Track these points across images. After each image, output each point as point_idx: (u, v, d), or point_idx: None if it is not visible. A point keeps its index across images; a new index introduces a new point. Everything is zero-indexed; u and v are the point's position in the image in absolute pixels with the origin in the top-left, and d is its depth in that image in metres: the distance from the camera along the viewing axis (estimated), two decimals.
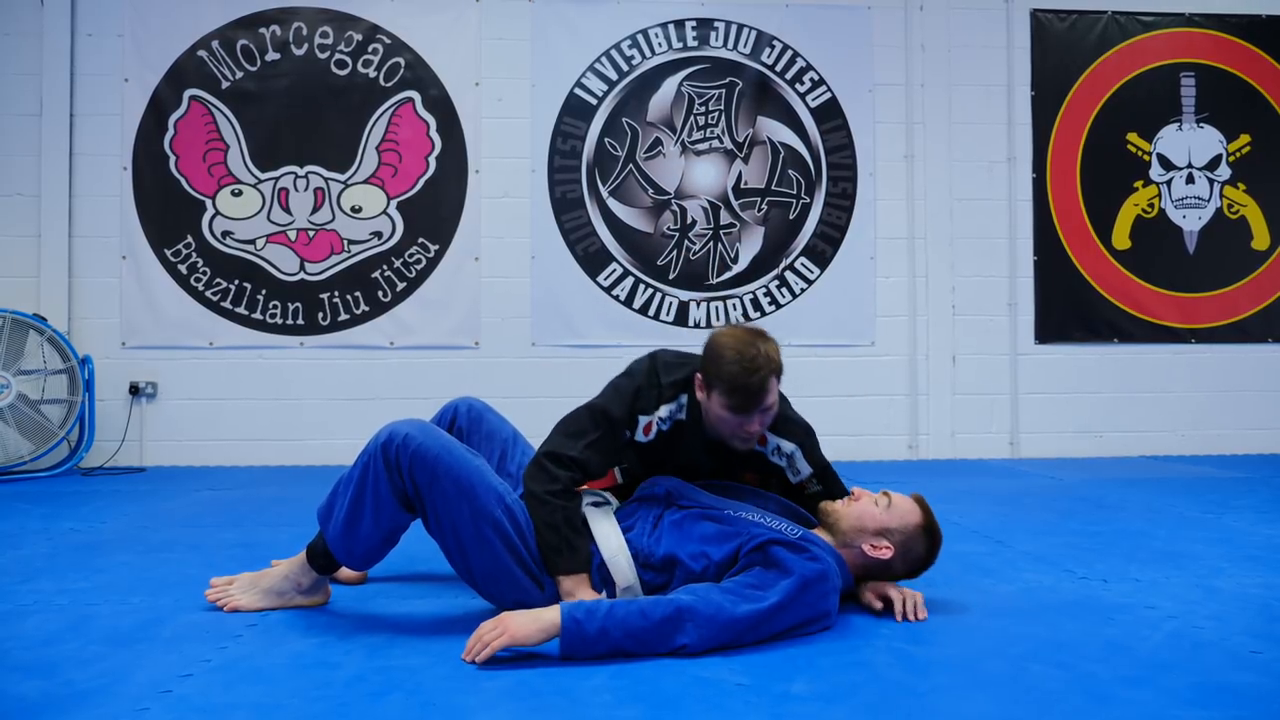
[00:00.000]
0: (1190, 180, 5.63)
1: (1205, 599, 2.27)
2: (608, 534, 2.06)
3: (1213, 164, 5.65)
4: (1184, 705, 1.57)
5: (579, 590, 1.98)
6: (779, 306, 5.41)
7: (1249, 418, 5.61)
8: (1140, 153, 5.63)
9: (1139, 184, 5.62)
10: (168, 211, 5.12)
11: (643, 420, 2.15)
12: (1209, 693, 1.63)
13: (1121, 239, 5.60)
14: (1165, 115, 5.65)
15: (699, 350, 2.19)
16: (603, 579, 2.03)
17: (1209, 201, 5.64)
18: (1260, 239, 5.67)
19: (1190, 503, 3.77)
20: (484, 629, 1.79)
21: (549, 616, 1.78)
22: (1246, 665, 1.78)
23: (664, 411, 2.16)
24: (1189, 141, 5.65)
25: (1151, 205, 5.62)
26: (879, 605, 2.09)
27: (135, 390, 5.06)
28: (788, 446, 2.22)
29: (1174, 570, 2.58)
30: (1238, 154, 5.67)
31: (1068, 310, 5.56)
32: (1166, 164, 5.63)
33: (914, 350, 5.48)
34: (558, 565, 1.99)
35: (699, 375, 2.11)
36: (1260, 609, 2.18)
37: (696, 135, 5.40)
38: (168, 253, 5.12)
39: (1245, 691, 1.64)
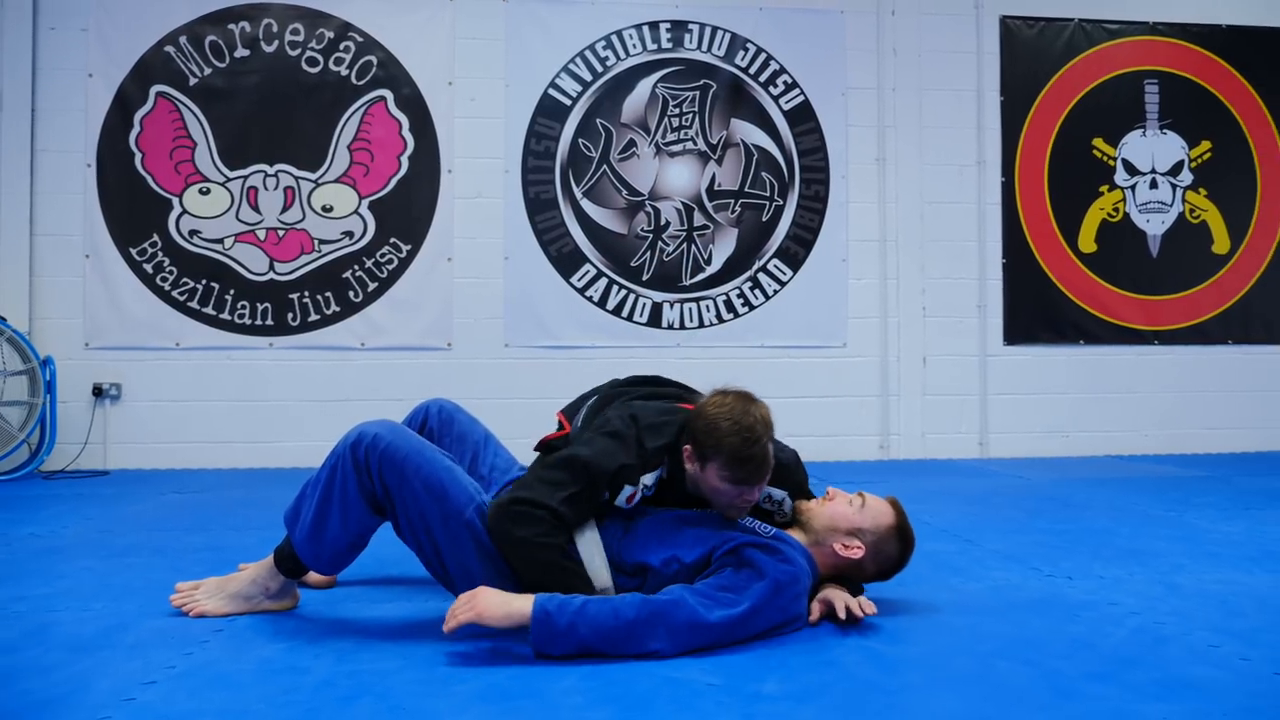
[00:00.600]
0: (1154, 185, 5.73)
1: (1167, 595, 2.31)
2: (585, 536, 2.05)
3: (1175, 169, 5.75)
4: (1146, 699, 1.59)
5: None
6: (752, 308, 5.44)
7: (1210, 417, 5.72)
8: (1105, 158, 5.71)
9: (1104, 188, 5.71)
10: (133, 210, 5.05)
11: (627, 490, 2.03)
12: (1170, 687, 1.66)
13: (1087, 242, 5.68)
14: (1130, 121, 5.74)
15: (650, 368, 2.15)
16: None
17: (1171, 206, 5.74)
18: (1221, 243, 5.77)
19: (1153, 501, 3.83)
20: (459, 602, 1.80)
21: (520, 605, 1.78)
22: (1206, 660, 1.81)
23: (649, 479, 2.06)
24: (1152, 147, 5.74)
25: (1116, 209, 5.71)
26: (818, 611, 2.03)
27: (99, 392, 4.98)
28: (778, 494, 2.17)
29: (1137, 567, 2.62)
30: (1199, 160, 5.77)
31: (1035, 312, 5.63)
32: (1131, 169, 5.72)
33: (885, 351, 5.52)
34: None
35: (689, 448, 2.03)
36: (1219, 604, 2.22)
37: (671, 137, 5.41)
38: (133, 252, 5.05)
39: (1205, 685, 1.67)
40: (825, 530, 2.07)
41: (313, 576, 2.36)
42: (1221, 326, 5.75)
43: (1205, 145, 5.77)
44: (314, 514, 2.00)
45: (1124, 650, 1.87)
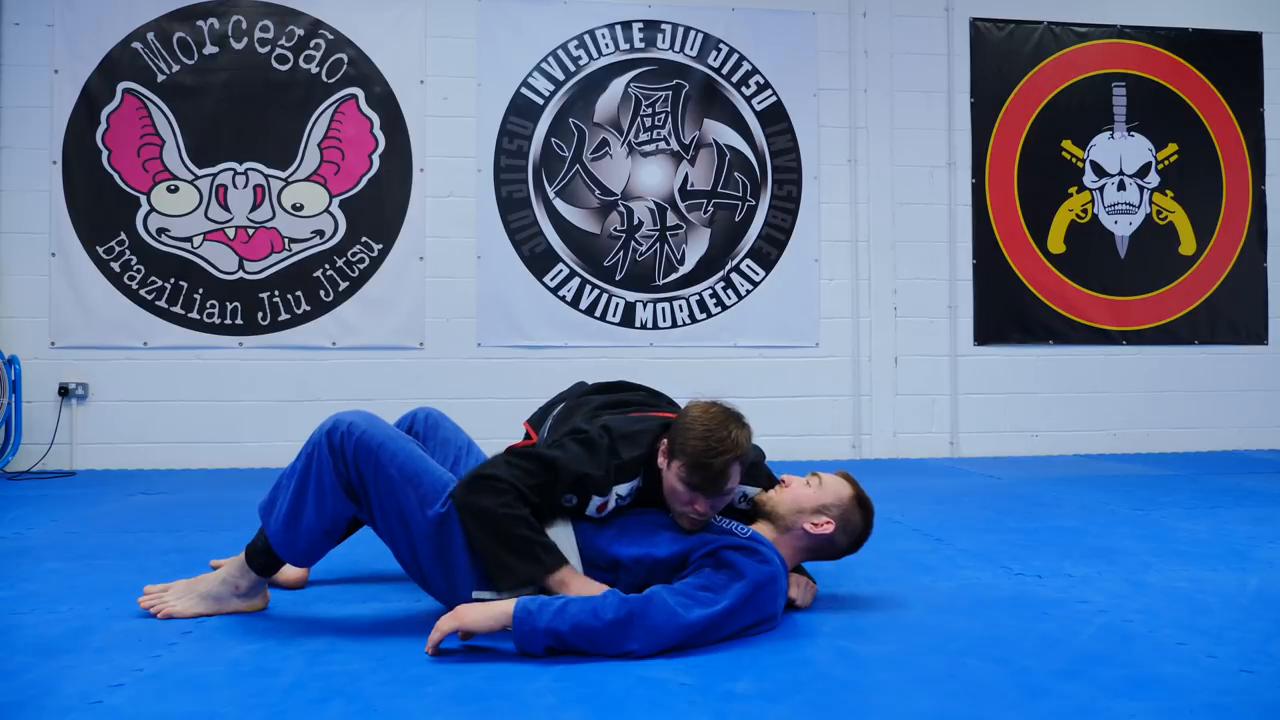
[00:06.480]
0: (1121, 187, 5.81)
1: (1134, 593, 2.33)
2: (555, 528, 2.04)
3: (1143, 171, 5.83)
4: (1114, 696, 1.61)
5: (573, 581, 1.92)
6: (725, 308, 5.45)
7: (1177, 417, 5.80)
8: (1074, 159, 5.78)
9: (1073, 190, 5.78)
10: (100, 207, 4.98)
11: (596, 500, 2.03)
12: (1138, 684, 1.68)
13: (1056, 243, 5.74)
14: (1098, 123, 5.81)
15: (632, 377, 2.16)
16: None
17: (1139, 208, 5.82)
18: (1187, 244, 5.86)
19: (1121, 500, 3.88)
20: (441, 620, 1.81)
21: (502, 606, 1.80)
22: (1173, 657, 1.83)
23: (622, 489, 2.06)
24: (1120, 149, 5.82)
25: (1085, 211, 5.78)
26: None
27: (65, 391, 4.90)
28: (752, 491, 2.18)
29: (1105, 565, 2.65)
30: (1166, 162, 5.85)
31: (1005, 313, 5.68)
32: (1099, 171, 5.80)
33: (857, 351, 5.55)
34: (540, 570, 1.91)
35: (666, 442, 2.03)
36: (1186, 602, 2.25)
37: (643, 136, 5.41)
38: (100, 250, 4.97)
39: (1172, 682, 1.69)
40: (792, 514, 2.09)
41: (285, 575, 2.35)
42: (1188, 327, 5.84)
43: (1172, 148, 5.86)
44: (290, 503, 2.00)
45: (1093, 648, 1.89)
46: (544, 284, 5.31)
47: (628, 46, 5.42)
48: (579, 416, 2.28)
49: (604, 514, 2.07)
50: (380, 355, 5.17)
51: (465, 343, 5.24)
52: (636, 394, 2.42)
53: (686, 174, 5.44)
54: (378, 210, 5.19)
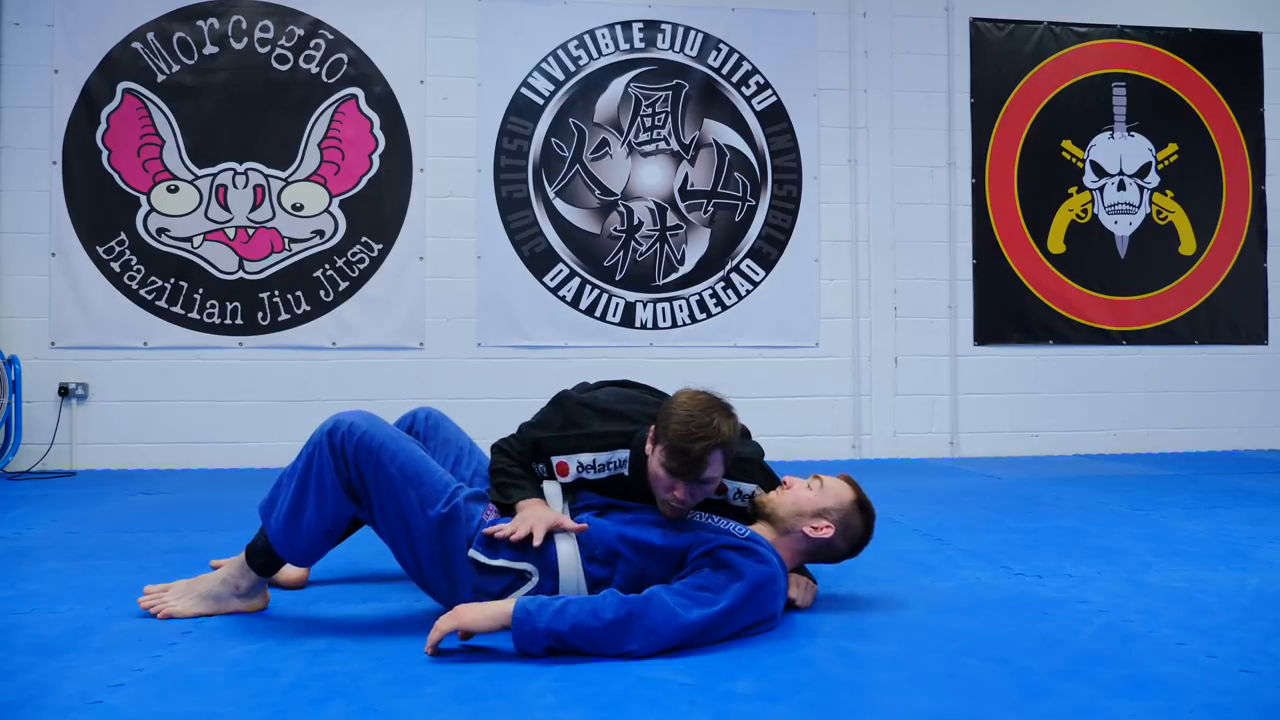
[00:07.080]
0: (1121, 187, 5.81)
1: (1134, 593, 2.33)
2: (553, 494, 2.10)
3: (1143, 171, 5.83)
4: (1114, 696, 1.61)
5: (537, 507, 2.02)
6: (725, 308, 5.45)
7: (1177, 417, 5.80)
8: (1074, 160, 5.78)
9: (1073, 190, 5.78)
10: (100, 207, 4.98)
11: (554, 460, 2.13)
12: (1138, 684, 1.68)
13: (1056, 243, 5.74)
14: (1098, 123, 5.81)
15: (642, 378, 2.21)
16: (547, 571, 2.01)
17: (1139, 208, 5.82)
18: (1187, 244, 5.86)
19: (1121, 500, 3.88)
20: (440, 619, 1.82)
21: (502, 606, 1.81)
22: (1173, 657, 1.83)
23: (586, 459, 2.10)
24: (1120, 149, 5.82)
25: (1085, 211, 5.78)
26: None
27: (65, 391, 4.90)
28: (748, 488, 2.17)
29: (1105, 565, 2.65)
30: (1166, 162, 5.85)
31: (1005, 313, 5.68)
32: (1099, 171, 5.80)
33: (857, 351, 5.55)
34: (511, 496, 2.07)
35: (654, 427, 2.04)
36: (1186, 602, 2.25)
37: (643, 136, 5.41)
38: (100, 250, 4.97)
39: (1172, 682, 1.69)
40: (792, 516, 2.09)
41: (285, 574, 2.35)
42: (1188, 327, 5.84)
43: (1172, 147, 5.86)
44: (290, 502, 2.01)
45: (1093, 648, 1.89)
46: (544, 284, 5.31)
47: (628, 46, 5.42)
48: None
49: (565, 477, 2.12)
50: (380, 355, 5.17)
51: (465, 343, 5.24)
52: (640, 393, 2.43)
53: (686, 174, 5.44)
54: (378, 210, 5.19)
